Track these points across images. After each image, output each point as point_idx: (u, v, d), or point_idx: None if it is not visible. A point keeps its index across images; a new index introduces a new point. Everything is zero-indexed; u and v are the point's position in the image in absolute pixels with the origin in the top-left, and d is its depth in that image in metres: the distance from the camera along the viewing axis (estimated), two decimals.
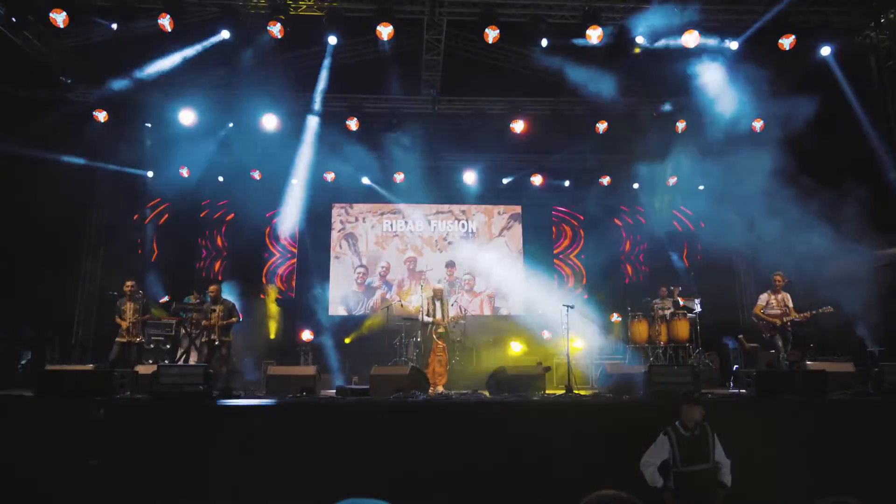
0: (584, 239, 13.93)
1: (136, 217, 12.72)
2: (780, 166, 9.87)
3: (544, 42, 8.93)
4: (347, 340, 12.39)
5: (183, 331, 10.42)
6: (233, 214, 13.33)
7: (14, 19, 8.66)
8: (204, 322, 8.53)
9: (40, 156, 9.92)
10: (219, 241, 13.44)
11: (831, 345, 9.11)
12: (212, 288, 8.75)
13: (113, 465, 5.14)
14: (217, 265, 13.30)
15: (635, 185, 12.87)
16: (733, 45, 9.33)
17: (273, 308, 12.41)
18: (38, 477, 5.06)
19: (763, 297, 8.71)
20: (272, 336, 12.02)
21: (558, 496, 4.91)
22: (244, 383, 9.53)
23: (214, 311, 8.44)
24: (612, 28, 8.88)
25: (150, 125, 11.41)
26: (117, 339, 8.55)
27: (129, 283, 8.72)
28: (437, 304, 9.15)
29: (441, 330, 9.03)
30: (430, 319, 9.02)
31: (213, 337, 8.42)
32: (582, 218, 13.97)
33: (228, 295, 9.30)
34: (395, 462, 5.29)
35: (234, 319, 8.53)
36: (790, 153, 10.07)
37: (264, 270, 13.35)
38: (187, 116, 10.77)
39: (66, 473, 5.09)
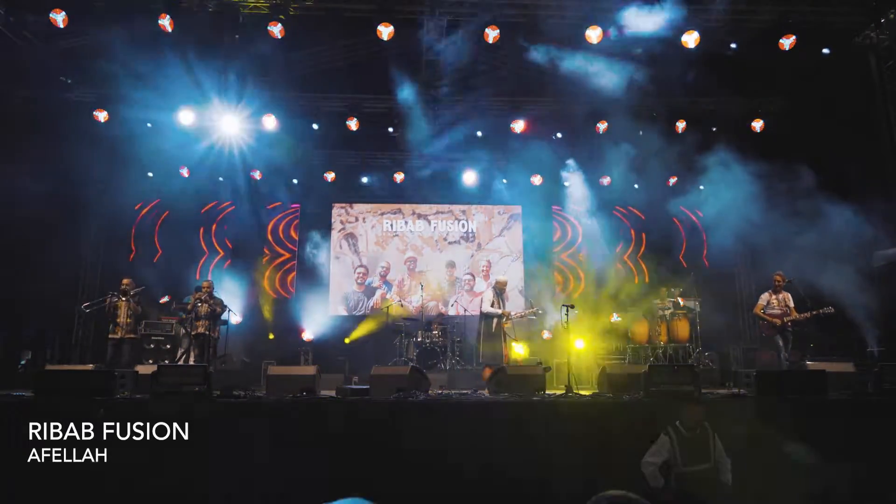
0: (584, 239, 13.90)
1: (137, 217, 12.72)
2: (779, 165, 9.89)
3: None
4: (347, 340, 12.42)
5: (182, 330, 10.44)
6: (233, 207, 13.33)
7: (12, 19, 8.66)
8: (191, 307, 9.25)
9: (39, 155, 9.91)
10: (215, 241, 13.41)
11: (831, 345, 9.11)
12: (205, 284, 9.40)
13: (113, 467, 5.14)
14: (213, 264, 13.27)
15: (635, 186, 12.88)
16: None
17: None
18: None
19: (763, 297, 8.71)
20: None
21: (560, 496, 4.91)
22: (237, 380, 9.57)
23: (205, 304, 9.09)
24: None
25: (150, 125, 11.38)
26: (110, 336, 8.77)
27: (125, 281, 8.88)
28: (501, 296, 8.61)
29: (508, 324, 8.54)
30: (499, 311, 8.41)
31: (200, 329, 9.03)
32: (583, 218, 13.95)
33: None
34: (395, 461, 5.29)
35: (218, 310, 9.22)
36: (789, 152, 10.08)
37: (266, 273, 13.35)
38: (186, 117, 10.76)
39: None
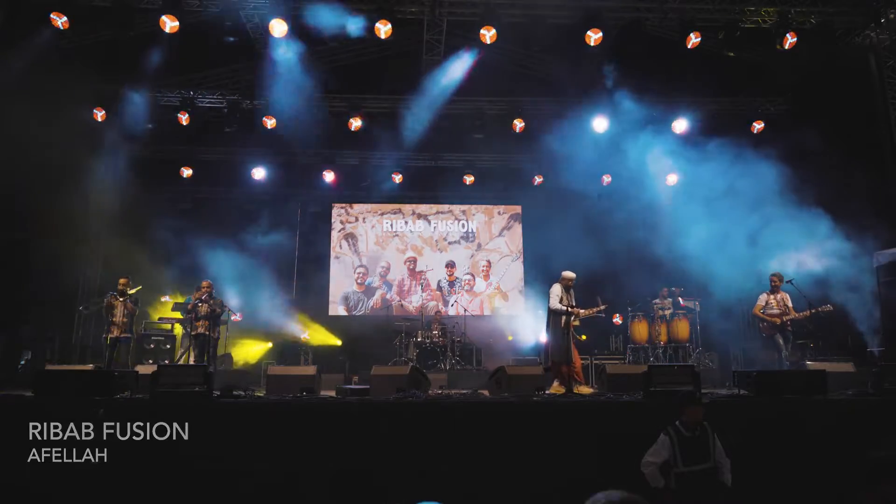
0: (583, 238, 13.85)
1: (139, 212, 12.69)
2: (779, 165, 9.88)
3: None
4: (339, 343, 12.46)
5: (183, 331, 10.45)
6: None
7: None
8: (191, 307, 9.21)
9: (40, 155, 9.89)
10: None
11: (831, 345, 9.10)
12: (205, 283, 9.32)
13: (113, 467, 5.14)
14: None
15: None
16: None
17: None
18: None
19: (762, 297, 8.70)
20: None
21: (560, 496, 4.91)
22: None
23: (205, 304, 9.06)
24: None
25: (151, 125, 11.38)
26: (107, 336, 8.75)
27: (122, 281, 8.90)
28: (569, 293, 8.13)
29: (576, 322, 8.11)
30: (565, 308, 7.92)
31: (199, 330, 9.00)
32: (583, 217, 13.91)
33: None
34: (395, 462, 5.29)
35: (218, 310, 9.13)
36: (790, 152, 10.07)
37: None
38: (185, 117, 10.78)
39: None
